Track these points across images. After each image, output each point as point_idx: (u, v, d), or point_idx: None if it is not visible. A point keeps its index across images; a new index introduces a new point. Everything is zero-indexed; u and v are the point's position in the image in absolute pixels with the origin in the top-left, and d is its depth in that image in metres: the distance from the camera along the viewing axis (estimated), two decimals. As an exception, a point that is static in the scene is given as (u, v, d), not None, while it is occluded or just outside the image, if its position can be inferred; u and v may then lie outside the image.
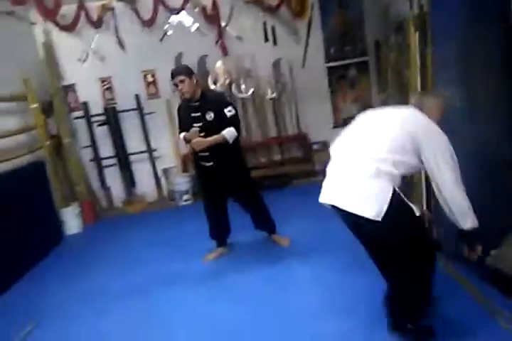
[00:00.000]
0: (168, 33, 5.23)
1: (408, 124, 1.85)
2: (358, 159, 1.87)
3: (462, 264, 2.50)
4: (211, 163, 3.07)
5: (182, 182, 5.17)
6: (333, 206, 1.92)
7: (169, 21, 5.13)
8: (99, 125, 5.30)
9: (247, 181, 3.29)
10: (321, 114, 5.62)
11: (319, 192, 2.01)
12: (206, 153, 3.02)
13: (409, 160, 1.82)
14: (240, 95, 5.40)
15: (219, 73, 5.20)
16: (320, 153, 5.35)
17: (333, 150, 2.04)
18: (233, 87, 5.37)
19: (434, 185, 1.82)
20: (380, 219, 1.75)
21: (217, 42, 5.38)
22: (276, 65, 5.45)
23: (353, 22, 5.53)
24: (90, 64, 5.24)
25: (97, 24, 4.83)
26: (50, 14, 4.32)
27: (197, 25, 5.26)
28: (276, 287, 2.82)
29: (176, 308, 2.74)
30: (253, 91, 5.39)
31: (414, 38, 3.18)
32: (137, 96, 5.35)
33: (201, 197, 3.46)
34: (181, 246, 3.78)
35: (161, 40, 5.28)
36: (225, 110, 2.92)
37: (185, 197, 5.17)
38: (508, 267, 2.32)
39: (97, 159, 5.39)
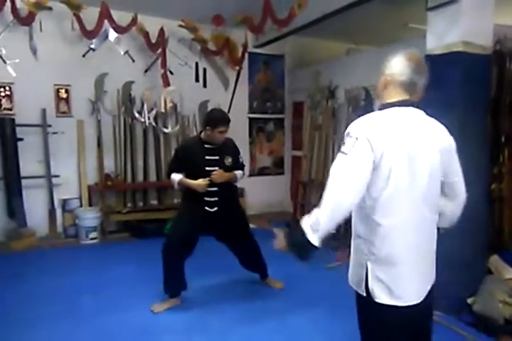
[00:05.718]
0: (93, 49, 4.67)
1: None
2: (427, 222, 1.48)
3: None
4: (215, 209, 2.93)
5: (90, 217, 4.41)
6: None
7: (101, 39, 4.64)
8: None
9: (247, 227, 3.21)
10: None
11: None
12: (214, 188, 2.88)
13: None
14: (165, 130, 5.11)
15: (162, 102, 4.90)
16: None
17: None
18: (159, 120, 5.07)
19: None
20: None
21: (146, 71, 5.10)
22: (203, 105, 5.40)
23: (274, 82, 5.97)
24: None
25: (26, 21, 4.05)
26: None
27: (126, 49, 4.89)
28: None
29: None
30: (178, 128, 5.19)
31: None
32: (44, 111, 4.54)
33: (172, 241, 2.91)
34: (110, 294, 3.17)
35: (84, 55, 4.71)
36: (239, 156, 3.10)
37: (92, 234, 4.40)
38: (489, 312, 2.69)
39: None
